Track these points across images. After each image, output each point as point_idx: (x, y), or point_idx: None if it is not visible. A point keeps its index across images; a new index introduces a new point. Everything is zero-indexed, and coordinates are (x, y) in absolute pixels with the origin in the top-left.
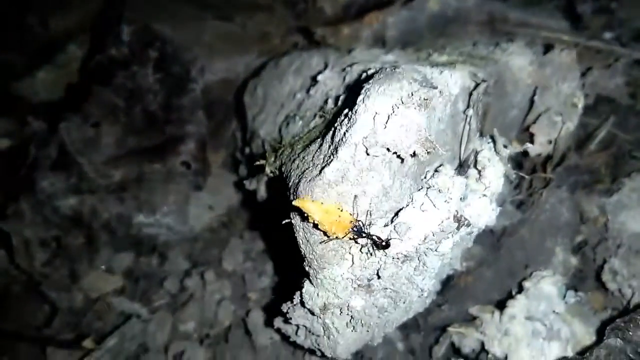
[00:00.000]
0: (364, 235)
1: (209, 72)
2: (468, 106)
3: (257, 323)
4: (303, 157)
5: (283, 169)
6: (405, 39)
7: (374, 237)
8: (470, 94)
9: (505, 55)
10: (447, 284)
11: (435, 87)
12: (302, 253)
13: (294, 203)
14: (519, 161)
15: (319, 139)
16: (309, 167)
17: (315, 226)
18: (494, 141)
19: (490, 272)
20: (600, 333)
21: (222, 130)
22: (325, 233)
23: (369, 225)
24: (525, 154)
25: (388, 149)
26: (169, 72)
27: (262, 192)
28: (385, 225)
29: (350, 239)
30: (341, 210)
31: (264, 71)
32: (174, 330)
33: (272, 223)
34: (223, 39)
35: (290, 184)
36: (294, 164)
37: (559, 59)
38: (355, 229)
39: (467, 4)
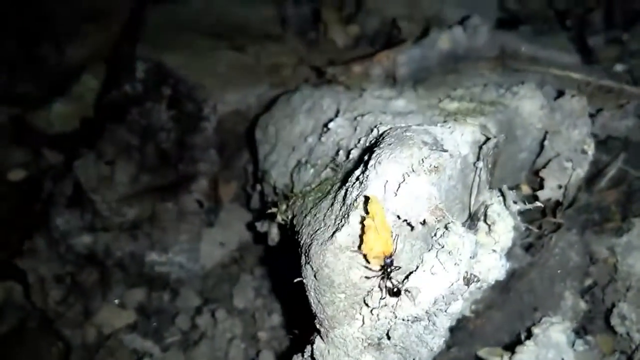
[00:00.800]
0: (387, 270)
1: (221, 103)
2: (478, 159)
3: None
4: (315, 214)
5: (294, 221)
6: (416, 77)
7: (392, 280)
8: (480, 148)
9: (516, 100)
10: (457, 326)
11: (446, 151)
12: (313, 312)
13: (366, 193)
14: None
15: (330, 196)
16: (320, 227)
17: (362, 225)
18: (503, 196)
19: (499, 315)
20: None
21: (234, 162)
22: (361, 241)
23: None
24: (535, 198)
25: (398, 217)
26: (182, 110)
27: (273, 236)
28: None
29: (373, 267)
30: (392, 236)
31: (275, 107)
32: None
33: (283, 264)
34: (236, 70)
35: (302, 242)
36: (305, 219)
37: (569, 105)
38: (387, 259)
39: (478, 43)
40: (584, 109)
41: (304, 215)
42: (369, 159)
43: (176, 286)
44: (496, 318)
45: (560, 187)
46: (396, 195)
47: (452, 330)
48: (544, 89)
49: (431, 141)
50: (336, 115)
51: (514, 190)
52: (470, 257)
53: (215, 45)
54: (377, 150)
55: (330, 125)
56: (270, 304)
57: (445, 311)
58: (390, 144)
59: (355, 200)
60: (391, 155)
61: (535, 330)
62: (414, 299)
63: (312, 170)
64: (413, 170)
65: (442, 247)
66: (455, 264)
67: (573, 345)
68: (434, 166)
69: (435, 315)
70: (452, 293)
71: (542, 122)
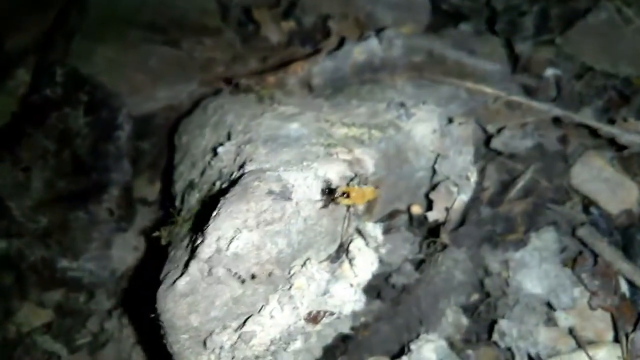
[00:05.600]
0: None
1: (152, 100)
2: None
3: None
4: (178, 249)
5: (168, 249)
6: (332, 85)
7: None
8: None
9: (411, 123)
10: (346, 335)
11: (290, 199)
12: (167, 346)
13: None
14: (421, 222)
15: (190, 235)
16: (173, 268)
17: None
18: (361, 233)
19: (387, 326)
20: None
21: (162, 160)
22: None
23: None
24: (425, 218)
25: (229, 270)
26: (98, 116)
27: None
28: (237, 329)
29: None
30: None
31: (194, 113)
32: None
33: None
34: (168, 65)
35: (160, 276)
36: (171, 253)
37: (457, 132)
38: None
39: (394, 54)
40: (468, 137)
41: (173, 247)
42: (214, 208)
43: (91, 288)
44: (384, 330)
45: (447, 209)
46: (227, 249)
47: (341, 340)
48: (441, 112)
49: (279, 189)
50: (228, 138)
51: (380, 223)
52: (323, 294)
53: (149, 38)
54: (222, 201)
55: (219, 149)
56: None
57: (286, 350)
58: (234, 195)
59: (195, 250)
60: (229, 210)
61: (412, 346)
62: (248, 343)
63: (197, 195)
64: (246, 226)
65: (289, 288)
66: (294, 308)
67: None
68: (269, 220)
69: (277, 353)
70: (290, 334)
71: (434, 145)
